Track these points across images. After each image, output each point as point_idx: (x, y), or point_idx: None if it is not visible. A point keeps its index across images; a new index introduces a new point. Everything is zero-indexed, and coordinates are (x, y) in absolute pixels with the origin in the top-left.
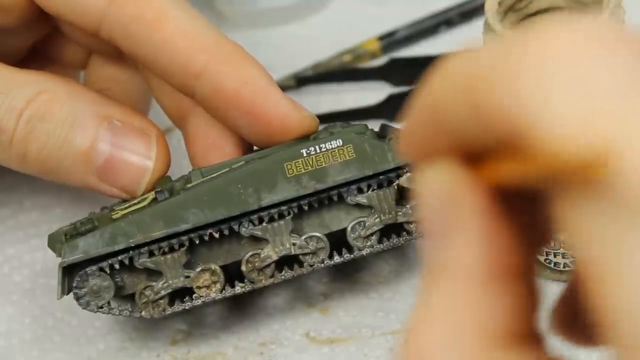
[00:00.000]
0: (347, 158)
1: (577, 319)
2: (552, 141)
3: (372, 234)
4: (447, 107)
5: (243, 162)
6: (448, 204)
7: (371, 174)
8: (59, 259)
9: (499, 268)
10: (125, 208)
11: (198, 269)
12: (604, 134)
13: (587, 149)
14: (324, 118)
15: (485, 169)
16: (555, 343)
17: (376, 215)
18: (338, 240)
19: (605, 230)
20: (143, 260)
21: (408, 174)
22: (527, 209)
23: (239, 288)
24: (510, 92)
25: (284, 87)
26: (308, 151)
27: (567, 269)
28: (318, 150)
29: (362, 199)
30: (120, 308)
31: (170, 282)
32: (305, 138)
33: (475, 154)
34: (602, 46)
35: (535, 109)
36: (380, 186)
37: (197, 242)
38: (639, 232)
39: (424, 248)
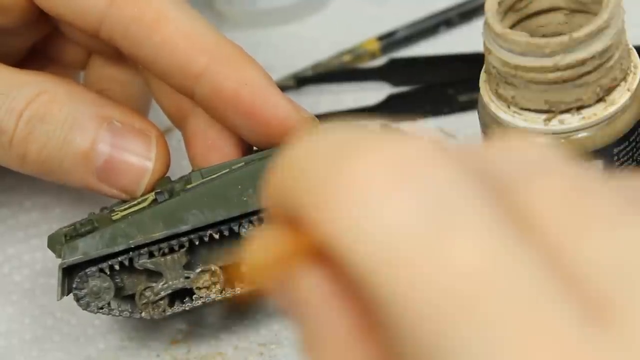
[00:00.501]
0: None
1: None
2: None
3: None
4: (276, 196)
5: (243, 163)
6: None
7: None
8: (59, 259)
9: (353, 330)
10: (125, 209)
11: (198, 270)
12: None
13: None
14: (324, 118)
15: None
16: None
17: None
18: None
19: None
20: (143, 261)
21: None
22: None
23: (238, 289)
24: (318, 212)
25: (284, 87)
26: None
27: None
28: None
29: None
30: (120, 309)
31: (170, 283)
32: None
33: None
34: (409, 175)
35: (335, 243)
36: None
37: (197, 243)
38: None
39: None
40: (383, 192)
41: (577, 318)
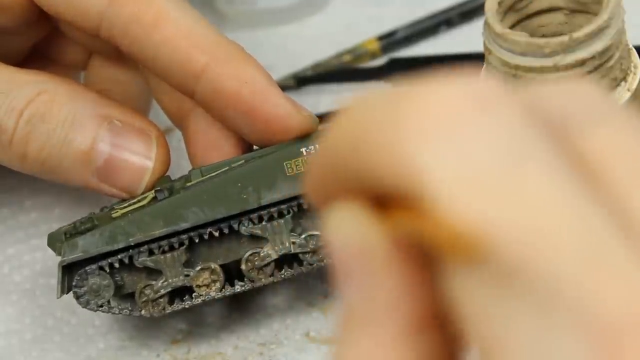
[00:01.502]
0: None
1: None
2: (434, 210)
3: None
4: (342, 159)
5: (243, 161)
6: (359, 250)
7: None
8: (59, 259)
9: (417, 317)
10: (125, 207)
11: (198, 268)
12: (477, 213)
13: (464, 226)
14: (324, 118)
15: (392, 213)
16: None
17: None
18: None
19: (484, 302)
20: (143, 259)
21: None
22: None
23: (238, 287)
24: (394, 155)
25: (284, 87)
26: (308, 150)
27: None
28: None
29: None
30: (120, 307)
31: (170, 280)
32: (305, 138)
33: (381, 198)
34: (482, 109)
35: (417, 177)
36: None
37: (197, 240)
38: (516, 309)
39: (340, 294)
40: (463, 125)
41: None
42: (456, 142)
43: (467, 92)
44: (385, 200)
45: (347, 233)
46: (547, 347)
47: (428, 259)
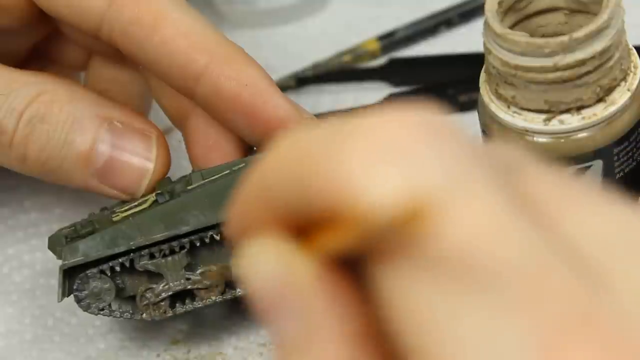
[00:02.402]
0: None
1: None
2: (368, 204)
3: None
4: (275, 184)
5: (243, 164)
6: (285, 280)
7: None
8: (59, 260)
9: (358, 334)
10: (126, 210)
11: (199, 272)
12: (419, 191)
13: (404, 206)
14: (324, 118)
15: (314, 239)
16: None
17: None
18: None
19: (424, 296)
20: (144, 263)
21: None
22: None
23: (239, 290)
24: (334, 169)
25: (284, 87)
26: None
27: None
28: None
29: None
30: (121, 310)
31: (171, 284)
32: None
33: (302, 226)
34: (420, 134)
35: (355, 181)
36: None
37: (198, 244)
38: (464, 296)
39: (267, 329)
40: (407, 148)
41: (584, 280)
42: (398, 161)
43: (415, 121)
44: (306, 228)
45: (270, 265)
46: (495, 339)
47: (358, 275)
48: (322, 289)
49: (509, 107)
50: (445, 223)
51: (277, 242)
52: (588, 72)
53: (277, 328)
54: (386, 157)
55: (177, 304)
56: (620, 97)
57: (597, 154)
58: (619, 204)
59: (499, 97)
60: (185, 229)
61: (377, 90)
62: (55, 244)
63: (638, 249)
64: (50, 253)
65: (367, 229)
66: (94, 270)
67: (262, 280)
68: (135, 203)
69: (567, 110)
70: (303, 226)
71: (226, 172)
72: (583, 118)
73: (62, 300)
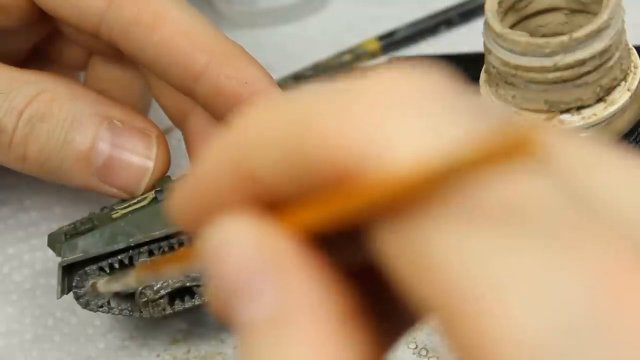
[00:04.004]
0: None
1: None
2: (391, 165)
3: None
4: (257, 152)
5: None
6: (261, 255)
7: None
8: (59, 258)
9: (344, 311)
10: (125, 207)
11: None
12: (455, 148)
13: (446, 164)
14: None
15: (289, 215)
16: None
17: None
18: None
19: (458, 245)
20: (143, 260)
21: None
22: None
23: None
24: (348, 131)
25: (284, 87)
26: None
27: None
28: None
29: None
30: (120, 307)
31: (170, 281)
32: None
33: (274, 203)
34: (433, 94)
35: (373, 142)
36: None
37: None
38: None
39: (233, 313)
40: (425, 102)
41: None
42: (413, 115)
43: (421, 79)
44: (277, 204)
45: (244, 241)
46: (548, 284)
47: (345, 247)
48: (302, 265)
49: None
50: (494, 179)
51: (250, 217)
52: (588, 72)
53: (250, 311)
54: (407, 113)
55: (176, 302)
56: (620, 97)
57: None
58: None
59: (499, 97)
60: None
61: None
62: (55, 241)
63: None
64: (50, 253)
65: (398, 187)
66: (93, 267)
67: (236, 258)
68: (135, 200)
69: (567, 110)
70: (274, 202)
71: None
72: (583, 118)
73: (61, 297)
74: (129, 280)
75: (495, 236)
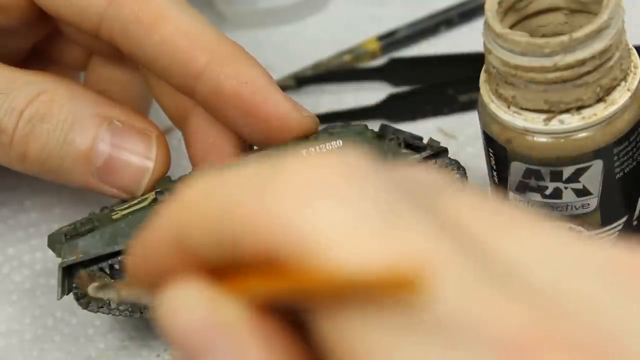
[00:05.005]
0: None
1: None
2: (330, 262)
3: None
4: (191, 229)
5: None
6: (212, 322)
7: None
8: (59, 259)
9: None
10: (126, 208)
11: None
12: (412, 258)
13: (391, 271)
14: (324, 118)
15: (235, 282)
16: None
17: None
18: None
19: (381, 343)
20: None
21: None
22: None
23: None
24: (272, 217)
25: (284, 87)
26: (308, 151)
27: None
28: (318, 151)
29: None
30: (120, 308)
31: None
32: (305, 138)
33: (221, 270)
34: (354, 176)
35: (303, 232)
36: None
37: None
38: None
39: None
40: (339, 189)
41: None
42: (336, 199)
43: (338, 163)
44: (227, 270)
45: (194, 309)
46: None
47: (288, 317)
48: (252, 329)
49: (509, 107)
50: (433, 291)
51: (198, 285)
52: (588, 72)
53: None
54: (329, 203)
55: None
56: (620, 97)
57: (597, 154)
58: (544, 223)
59: (499, 97)
60: None
61: (377, 90)
62: (55, 242)
63: (573, 264)
64: (50, 253)
65: (325, 285)
66: (94, 267)
67: (187, 326)
68: (135, 201)
69: (567, 110)
70: (223, 269)
71: None
72: (583, 118)
73: (61, 297)
74: (112, 294)
75: (408, 338)
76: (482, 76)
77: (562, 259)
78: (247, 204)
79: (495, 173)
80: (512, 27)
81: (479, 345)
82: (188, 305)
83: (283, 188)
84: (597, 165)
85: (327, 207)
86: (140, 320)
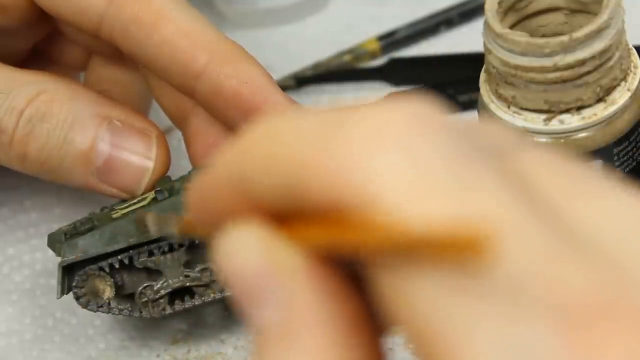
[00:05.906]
0: None
1: None
2: (396, 218)
3: None
4: (255, 172)
5: None
6: (269, 266)
7: None
8: (59, 259)
9: (344, 325)
10: (125, 207)
11: (198, 269)
12: (477, 218)
13: (459, 232)
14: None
15: (296, 229)
16: None
17: None
18: None
19: (439, 303)
20: (143, 260)
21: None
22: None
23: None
24: (338, 165)
25: (284, 87)
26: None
27: None
28: None
29: None
30: (120, 307)
31: (170, 281)
32: None
33: (282, 215)
34: (424, 126)
35: (371, 184)
36: None
37: (197, 241)
38: (520, 326)
39: (246, 317)
40: (410, 138)
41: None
42: (406, 152)
43: (411, 112)
44: (289, 216)
45: (251, 251)
46: (516, 340)
47: (346, 269)
48: (308, 278)
49: (509, 107)
50: (499, 255)
51: (258, 229)
52: (588, 72)
53: (258, 318)
54: (401, 156)
55: (176, 302)
56: (620, 97)
57: (597, 154)
58: (625, 194)
59: (499, 97)
60: None
61: (377, 90)
62: (55, 241)
63: None
64: (50, 253)
65: (389, 241)
66: (93, 267)
67: (243, 268)
68: (135, 200)
69: (567, 110)
70: (284, 215)
71: None
72: (583, 118)
73: (61, 297)
74: (173, 228)
75: (476, 302)
76: (482, 76)
77: None
78: (312, 149)
79: None
80: (512, 27)
81: (541, 313)
82: (246, 248)
83: (352, 134)
84: (597, 166)
85: (397, 159)
86: (140, 320)
